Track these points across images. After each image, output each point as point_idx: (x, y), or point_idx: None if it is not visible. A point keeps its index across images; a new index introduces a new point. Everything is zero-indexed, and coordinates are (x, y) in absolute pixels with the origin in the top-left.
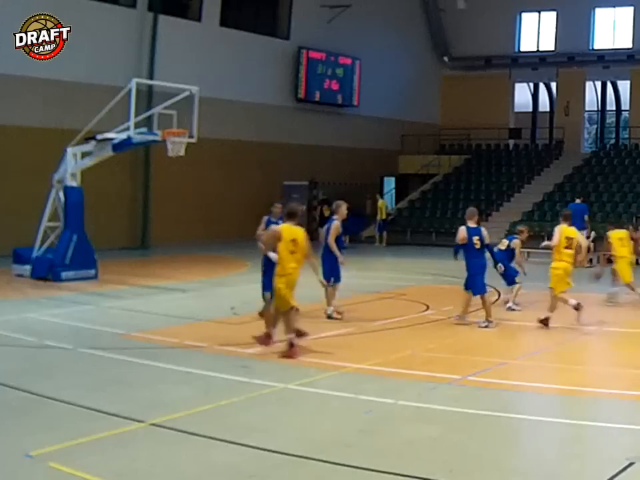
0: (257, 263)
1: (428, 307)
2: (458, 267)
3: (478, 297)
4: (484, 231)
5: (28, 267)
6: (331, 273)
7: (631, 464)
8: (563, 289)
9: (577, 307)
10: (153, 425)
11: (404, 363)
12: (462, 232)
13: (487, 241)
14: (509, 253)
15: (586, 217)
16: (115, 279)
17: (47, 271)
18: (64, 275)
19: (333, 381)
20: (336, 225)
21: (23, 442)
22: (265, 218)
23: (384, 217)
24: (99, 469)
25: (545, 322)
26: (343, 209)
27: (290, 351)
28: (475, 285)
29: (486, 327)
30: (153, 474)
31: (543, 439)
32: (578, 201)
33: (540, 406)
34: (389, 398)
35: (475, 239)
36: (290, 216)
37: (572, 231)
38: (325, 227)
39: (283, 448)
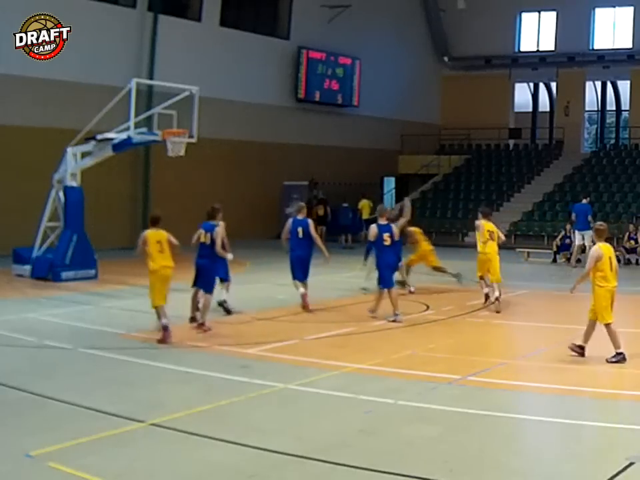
0: (256, 262)
1: (428, 307)
2: (458, 267)
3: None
4: (394, 228)
5: (28, 267)
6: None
7: (631, 464)
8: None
9: (487, 297)
10: (153, 424)
11: (404, 363)
12: (373, 229)
13: (396, 238)
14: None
15: (589, 217)
16: (115, 279)
17: (47, 271)
18: (64, 275)
19: (333, 381)
20: (312, 222)
21: (22, 442)
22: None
23: (366, 217)
24: (99, 469)
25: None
26: (305, 209)
27: (163, 335)
28: (383, 279)
29: (394, 320)
30: (153, 474)
31: (543, 439)
32: (584, 201)
33: (540, 406)
34: (389, 398)
35: (386, 235)
36: (153, 222)
37: (491, 226)
38: (292, 225)
39: (283, 448)
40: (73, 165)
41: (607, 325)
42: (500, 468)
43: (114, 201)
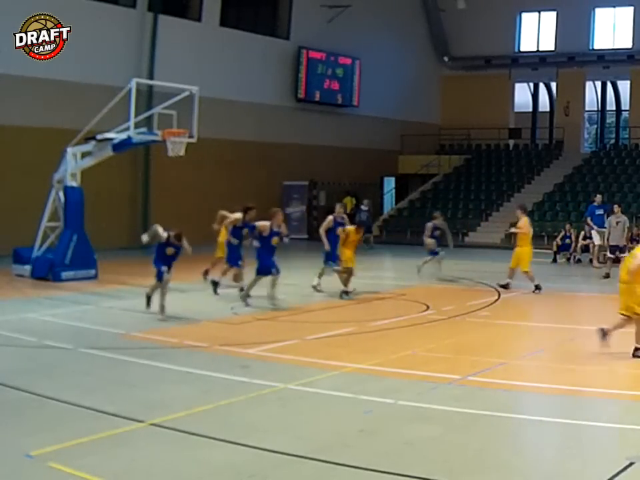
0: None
1: (428, 307)
2: (458, 267)
3: None
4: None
5: (28, 267)
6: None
7: (631, 464)
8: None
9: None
10: (153, 424)
11: (404, 363)
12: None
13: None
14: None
15: (587, 219)
16: (115, 279)
17: (47, 271)
18: (64, 275)
19: (333, 381)
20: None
21: (22, 442)
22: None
23: (348, 212)
24: (99, 469)
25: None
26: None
27: None
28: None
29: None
30: (153, 474)
31: (543, 439)
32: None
33: (540, 406)
34: (389, 398)
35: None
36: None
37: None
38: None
39: (282, 448)
40: (73, 164)
41: None
42: (500, 468)
43: (114, 200)
